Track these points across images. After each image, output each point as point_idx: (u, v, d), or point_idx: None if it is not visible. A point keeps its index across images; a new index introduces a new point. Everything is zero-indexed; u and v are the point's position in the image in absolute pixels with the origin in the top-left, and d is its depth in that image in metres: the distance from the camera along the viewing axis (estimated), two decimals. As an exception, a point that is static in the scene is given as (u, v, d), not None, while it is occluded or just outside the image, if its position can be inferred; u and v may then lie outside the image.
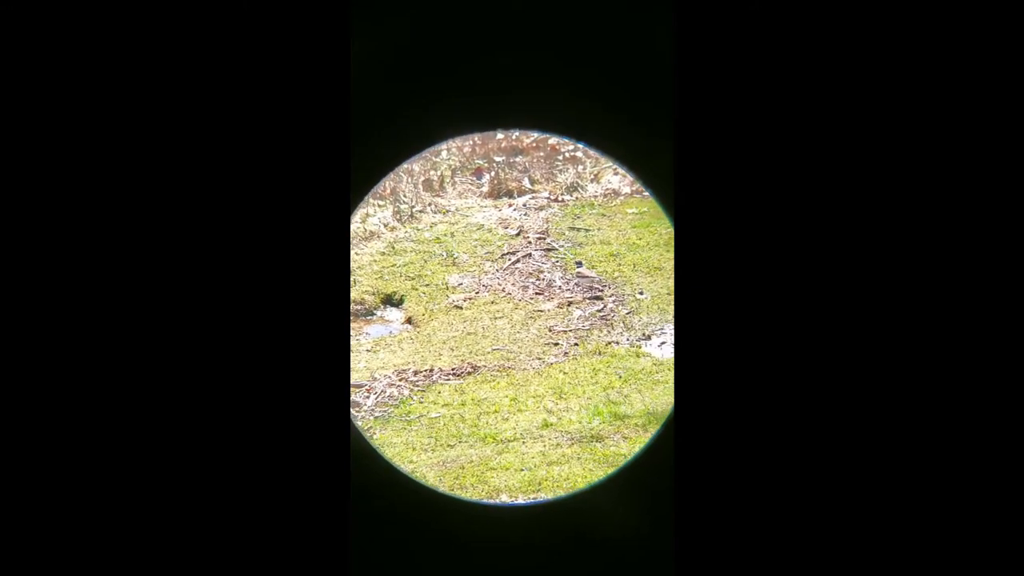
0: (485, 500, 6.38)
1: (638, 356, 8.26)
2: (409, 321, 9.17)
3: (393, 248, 10.34)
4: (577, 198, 11.21)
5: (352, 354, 8.10)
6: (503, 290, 9.51)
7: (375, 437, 7.25)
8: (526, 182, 11.34)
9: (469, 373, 8.17)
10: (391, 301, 9.50)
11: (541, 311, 9.13)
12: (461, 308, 9.25)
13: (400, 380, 8.08)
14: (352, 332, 8.72)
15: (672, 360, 7.98)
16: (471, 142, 11.63)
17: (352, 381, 7.62)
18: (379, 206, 10.87)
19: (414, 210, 10.90)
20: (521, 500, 6.46)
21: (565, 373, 8.07)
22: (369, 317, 9.26)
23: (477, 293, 9.49)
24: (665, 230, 10.14)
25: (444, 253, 10.20)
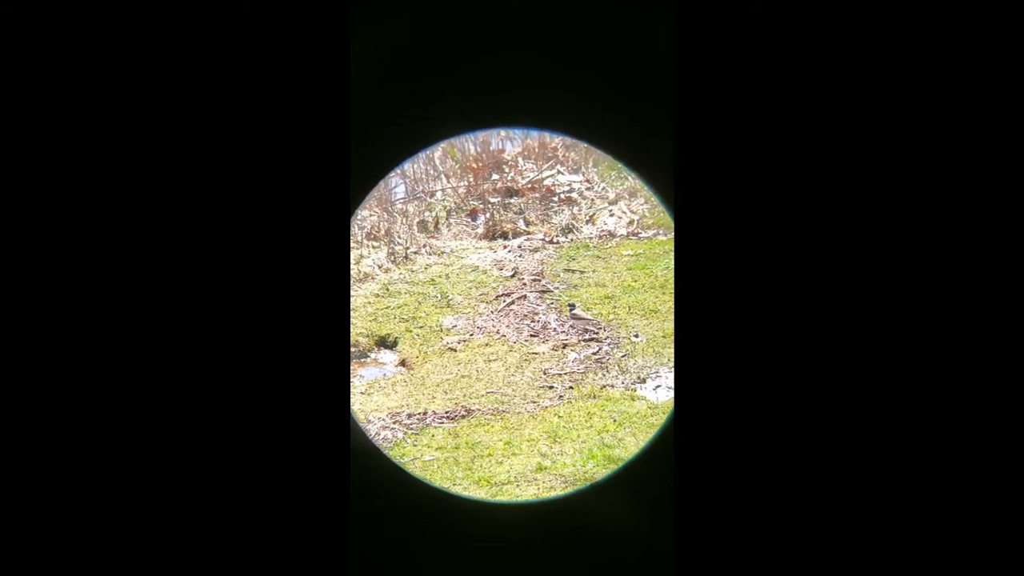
0: (485, 499, 6.33)
1: (633, 399, 8.21)
2: (403, 363, 9.12)
3: (387, 290, 10.31)
4: (572, 240, 11.20)
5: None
6: (498, 332, 9.48)
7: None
8: (521, 224, 11.36)
9: (463, 416, 8.11)
10: (385, 343, 9.46)
11: (536, 354, 9.10)
12: (455, 350, 9.21)
13: (394, 423, 8.03)
14: (346, 374, 8.65)
15: (667, 404, 7.94)
16: (466, 183, 11.67)
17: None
18: (373, 247, 10.87)
19: (408, 252, 10.89)
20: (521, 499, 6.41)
21: (560, 416, 8.02)
22: (363, 359, 9.22)
23: (471, 335, 9.45)
24: (660, 272, 10.15)
25: (438, 295, 10.17)
